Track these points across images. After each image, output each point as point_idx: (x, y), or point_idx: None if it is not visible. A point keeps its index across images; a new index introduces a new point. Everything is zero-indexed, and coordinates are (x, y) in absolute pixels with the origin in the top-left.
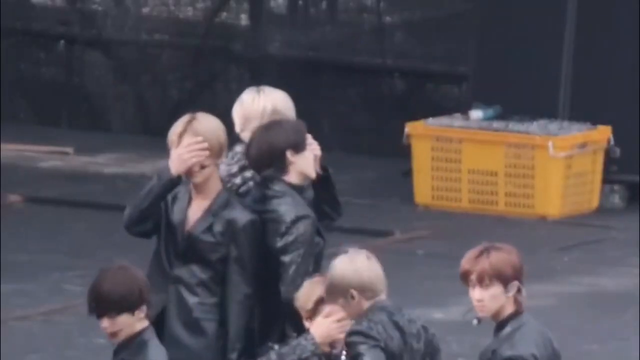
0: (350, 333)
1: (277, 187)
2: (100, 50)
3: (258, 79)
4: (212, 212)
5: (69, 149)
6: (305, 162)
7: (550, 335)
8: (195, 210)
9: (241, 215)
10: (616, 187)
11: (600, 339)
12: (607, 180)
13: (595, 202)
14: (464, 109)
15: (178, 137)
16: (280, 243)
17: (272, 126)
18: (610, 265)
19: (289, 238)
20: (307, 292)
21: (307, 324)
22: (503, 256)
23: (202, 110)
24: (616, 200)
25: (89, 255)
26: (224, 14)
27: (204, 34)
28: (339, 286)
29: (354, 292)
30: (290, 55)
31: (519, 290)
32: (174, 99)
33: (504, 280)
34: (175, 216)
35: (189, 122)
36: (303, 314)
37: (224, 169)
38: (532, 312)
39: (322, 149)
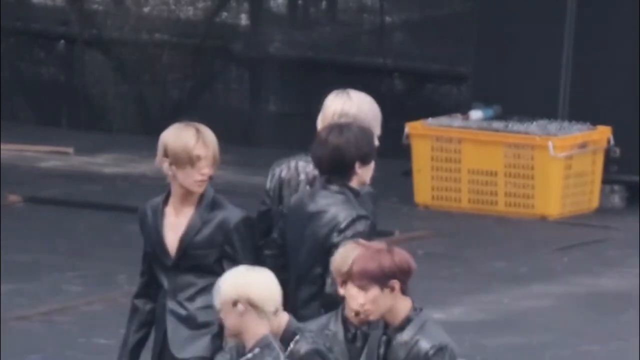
0: None
1: (337, 188)
2: (100, 50)
3: (258, 79)
4: (199, 215)
5: (69, 149)
6: (368, 173)
7: None
8: (181, 218)
9: (233, 214)
10: (616, 187)
11: (600, 339)
12: (607, 180)
13: (595, 203)
14: (463, 109)
15: (194, 153)
16: (336, 239)
17: (345, 132)
18: (610, 265)
19: (348, 234)
20: (344, 255)
21: (341, 290)
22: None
23: (202, 111)
24: (616, 200)
25: (89, 255)
26: (224, 14)
27: (204, 34)
28: (226, 297)
29: (242, 306)
30: (290, 55)
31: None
32: (174, 99)
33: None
34: (158, 231)
35: (197, 134)
36: (338, 278)
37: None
38: (532, 312)
39: None
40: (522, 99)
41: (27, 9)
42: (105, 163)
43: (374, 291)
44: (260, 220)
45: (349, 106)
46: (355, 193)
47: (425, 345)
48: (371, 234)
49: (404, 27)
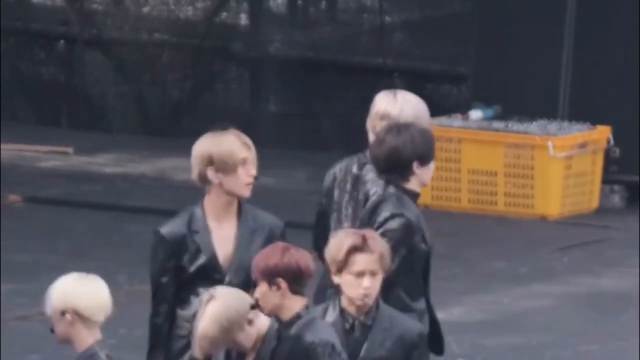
0: None
1: (392, 190)
2: (100, 50)
3: (258, 79)
4: (247, 224)
5: (69, 149)
6: (428, 174)
7: None
8: (227, 230)
9: (275, 221)
10: (616, 187)
11: (600, 339)
12: (607, 180)
13: (595, 202)
14: (463, 109)
15: (241, 156)
16: None
17: (402, 132)
18: (610, 265)
19: (379, 231)
20: (339, 242)
21: (336, 279)
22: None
23: (202, 111)
24: (616, 200)
25: (89, 255)
26: (224, 14)
27: (204, 34)
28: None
29: (69, 316)
30: (290, 55)
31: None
32: (174, 99)
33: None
34: (210, 249)
35: (237, 137)
36: (332, 266)
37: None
38: (532, 312)
39: (322, 149)
40: (522, 99)
41: (27, 9)
42: (105, 163)
43: (263, 287)
44: (317, 220)
45: (391, 107)
46: (412, 194)
47: (309, 338)
48: (409, 233)
49: (404, 27)
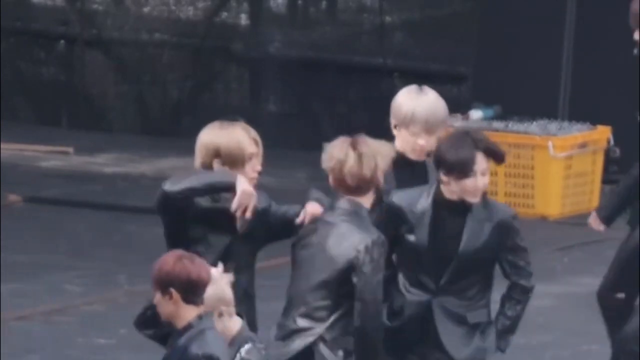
0: None
1: (427, 186)
2: (100, 50)
3: (258, 79)
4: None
5: (69, 149)
6: (457, 187)
7: None
8: None
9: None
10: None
11: (600, 339)
12: (607, 180)
13: (595, 202)
14: (463, 109)
15: (249, 151)
16: None
17: (449, 139)
18: None
19: None
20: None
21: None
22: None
23: (202, 111)
24: None
25: (89, 255)
26: (224, 14)
27: (204, 34)
28: None
29: None
30: (290, 55)
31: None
32: (174, 99)
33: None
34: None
35: (246, 131)
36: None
37: None
38: (532, 312)
39: (322, 149)
40: (522, 99)
41: (27, 9)
42: (105, 163)
43: (157, 295)
44: None
45: (395, 102)
46: (439, 198)
47: (194, 350)
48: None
49: (404, 27)
